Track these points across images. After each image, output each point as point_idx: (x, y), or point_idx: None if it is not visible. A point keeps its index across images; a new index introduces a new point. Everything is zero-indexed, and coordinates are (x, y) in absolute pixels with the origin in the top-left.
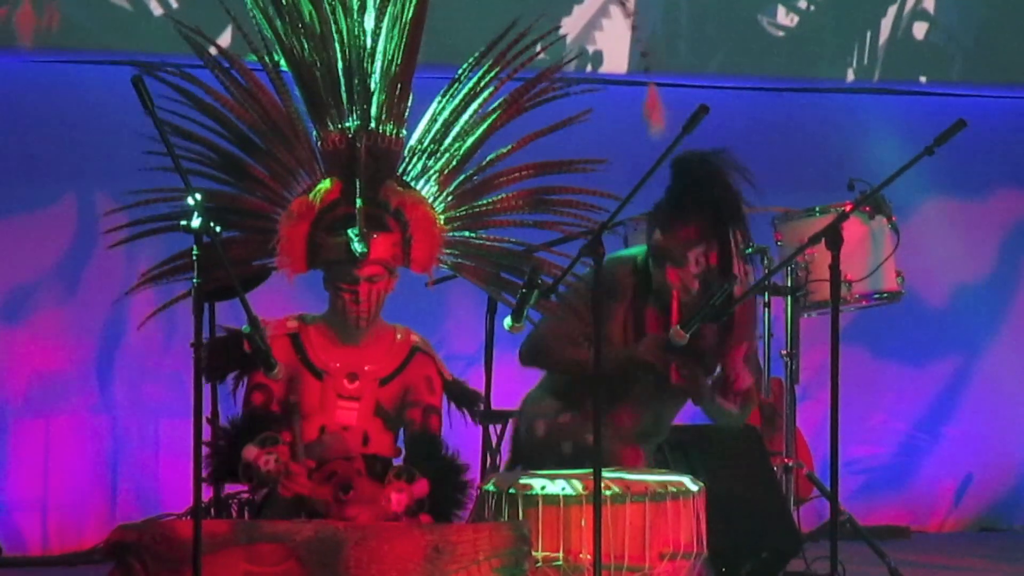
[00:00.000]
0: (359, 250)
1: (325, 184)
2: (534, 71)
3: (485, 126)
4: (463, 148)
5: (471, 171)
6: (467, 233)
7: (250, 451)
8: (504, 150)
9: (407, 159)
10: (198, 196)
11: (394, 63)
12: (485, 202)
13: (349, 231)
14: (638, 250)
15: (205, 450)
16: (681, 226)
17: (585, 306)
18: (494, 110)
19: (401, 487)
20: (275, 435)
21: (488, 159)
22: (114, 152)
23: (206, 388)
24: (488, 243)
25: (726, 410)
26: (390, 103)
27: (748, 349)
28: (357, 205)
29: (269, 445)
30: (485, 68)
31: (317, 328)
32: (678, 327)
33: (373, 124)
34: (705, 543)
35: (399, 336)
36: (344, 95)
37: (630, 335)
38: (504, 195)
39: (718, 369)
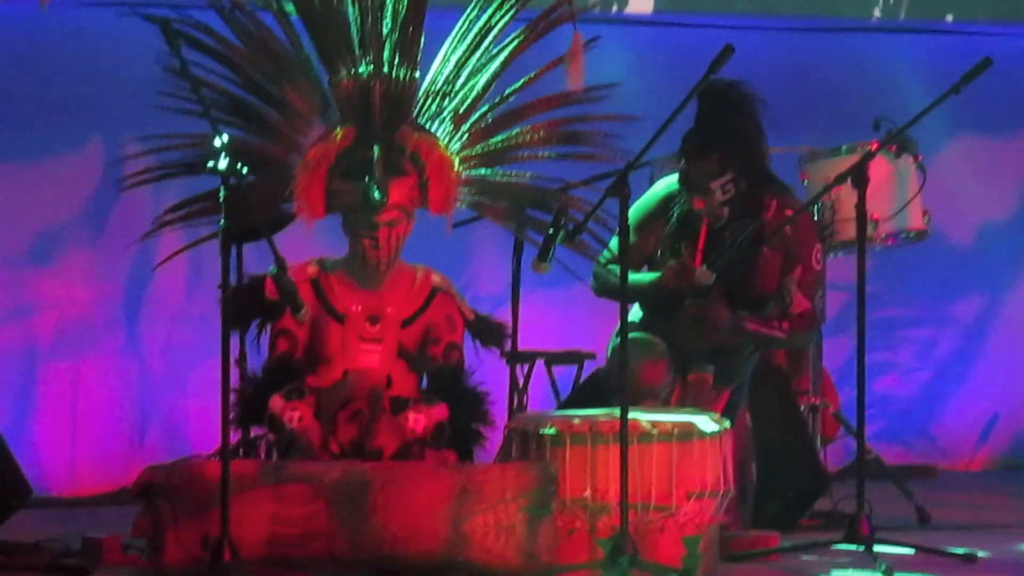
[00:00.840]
0: (377, 198)
1: (340, 130)
2: (546, 5)
3: (498, 63)
4: (477, 86)
5: (485, 108)
6: (484, 171)
7: (276, 403)
8: (518, 84)
9: (421, 101)
10: (225, 137)
11: (405, 6)
12: (501, 138)
13: (367, 178)
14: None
15: (232, 394)
16: (705, 154)
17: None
18: (505, 46)
19: (419, 408)
20: (300, 387)
21: (502, 95)
22: (140, 96)
23: (236, 332)
24: (509, 181)
25: (765, 335)
26: (402, 47)
27: (804, 272)
28: (374, 152)
29: (295, 398)
30: (496, 4)
31: (337, 272)
32: (704, 267)
33: (386, 69)
34: (732, 483)
35: (419, 277)
36: (356, 41)
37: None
38: (520, 130)
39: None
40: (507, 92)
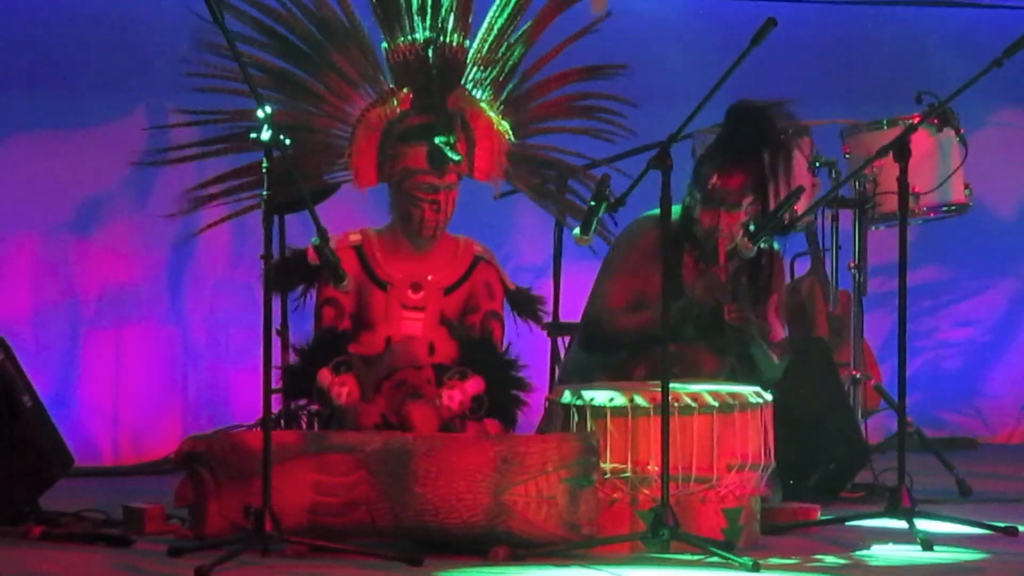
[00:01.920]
0: (455, 158)
1: (399, 95)
2: None
3: (525, 31)
4: (513, 56)
5: (518, 79)
6: (514, 142)
7: (324, 376)
8: (539, 59)
9: (468, 68)
10: (268, 109)
11: None
12: (529, 109)
13: (438, 139)
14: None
15: (280, 369)
16: (739, 172)
17: (629, 270)
18: (538, 15)
19: (453, 384)
20: (348, 359)
21: (525, 68)
22: (184, 66)
23: (276, 300)
24: (543, 154)
25: (770, 357)
26: (459, 12)
27: (778, 301)
28: (448, 114)
29: (343, 371)
30: None
31: (381, 240)
32: (745, 238)
33: (443, 36)
34: (773, 454)
35: (462, 246)
36: (415, 5)
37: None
38: (544, 102)
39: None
40: (531, 64)
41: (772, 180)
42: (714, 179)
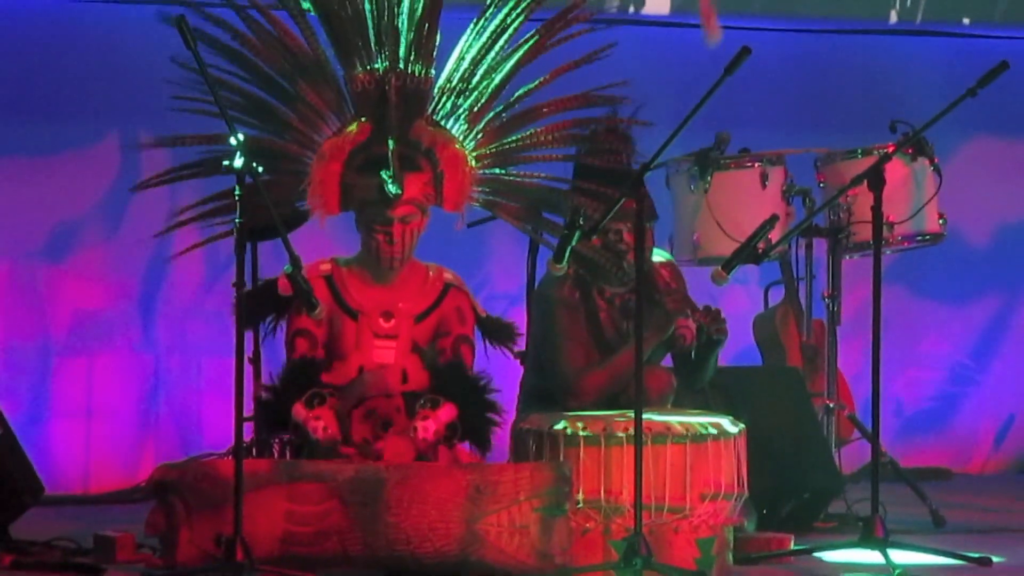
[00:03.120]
0: (393, 191)
1: (355, 125)
2: (562, 5)
3: (513, 62)
4: (492, 85)
5: (500, 108)
6: (498, 171)
7: (299, 411)
8: (533, 85)
9: (436, 98)
10: (240, 136)
11: (421, 3)
12: (515, 138)
13: (382, 172)
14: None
15: (253, 401)
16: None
17: (570, 328)
18: (521, 45)
19: (426, 414)
20: (320, 392)
21: (516, 95)
22: (157, 92)
23: (249, 330)
24: (522, 181)
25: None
26: (418, 42)
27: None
28: (389, 146)
29: (317, 405)
30: (512, 3)
31: (350, 269)
32: (720, 268)
33: (402, 64)
34: (746, 484)
35: (432, 274)
36: (372, 36)
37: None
38: (533, 131)
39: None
40: (520, 92)
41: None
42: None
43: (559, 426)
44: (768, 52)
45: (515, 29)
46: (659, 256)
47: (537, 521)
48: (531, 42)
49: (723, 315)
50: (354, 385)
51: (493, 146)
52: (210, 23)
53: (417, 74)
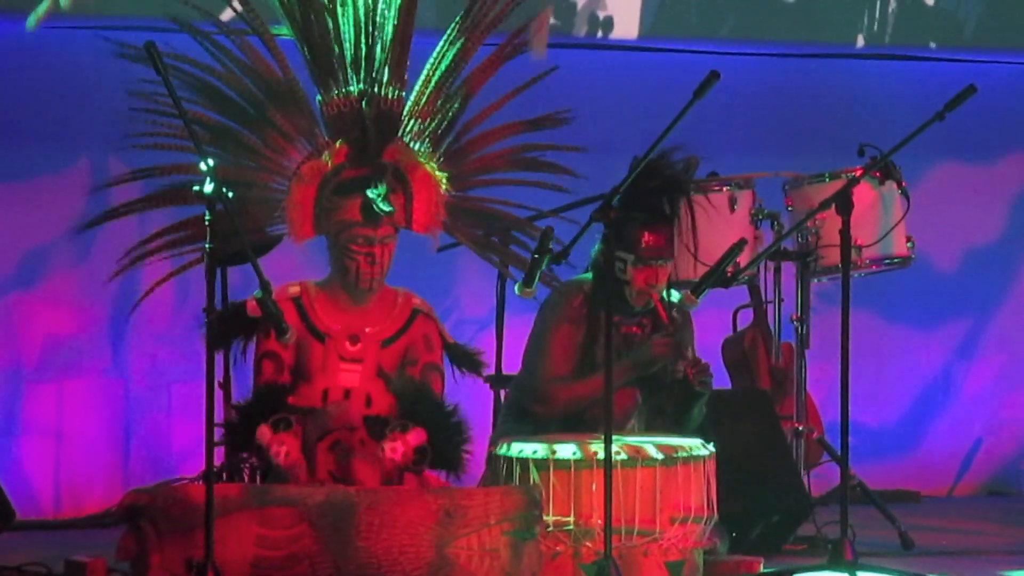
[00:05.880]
0: (386, 209)
1: (333, 148)
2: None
3: (464, 83)
4: (452, 109)
5: (454, 133)
6: (454, 194)
7: (264, 434)
8: (479, 112)
9: (405, 121)
10: (211, 162)
11: (394, 26)
12: (469, 162)
13: (370, 191)
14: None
15: (221, 424)
16: (665, 225)
17: (564, 339)
18: (476, 67)
19: (395, 437)
20: (287, 417)
21: (465, 121)
22: (126, 119)
23: (219, 352)
24: (483, 207)
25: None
26: (392, 65)
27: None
28: (381, 166)
29: (282, 429)
30: (474, 28)
31: (319, 292)
32: (689, 292)
33: (377, 87)
34: (716, 507)
35: (400, 299)
36: (349, 59)
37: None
38: (485, 155)
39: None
40: (469, 118)
41: (691, 226)
42: (645, 237)
43: (530, 449)
44: (736, 76)
45: (473, 52)
46: (675, 296)
47: (507, 545)
48: (479, 67)
49: (711, 370)
50: (317, 417)
51: (451, 170)
52: (174, 57)
53: (390, 96)
